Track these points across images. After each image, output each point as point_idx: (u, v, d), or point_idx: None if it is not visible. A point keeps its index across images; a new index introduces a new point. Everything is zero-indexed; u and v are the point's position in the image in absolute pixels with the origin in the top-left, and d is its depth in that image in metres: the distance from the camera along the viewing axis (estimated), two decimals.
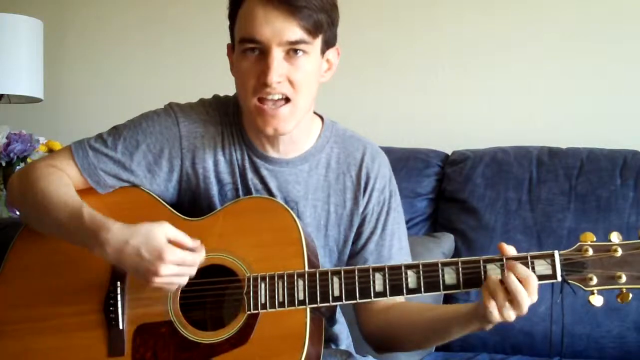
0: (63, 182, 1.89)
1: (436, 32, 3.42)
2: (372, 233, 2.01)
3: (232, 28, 1.89)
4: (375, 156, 2.04)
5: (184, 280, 1.72)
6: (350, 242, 2.02)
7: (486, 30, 3.35)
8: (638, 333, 2.64)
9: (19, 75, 3.49)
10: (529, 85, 3.30)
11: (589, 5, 3.24)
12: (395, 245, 2.02)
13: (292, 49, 1.79)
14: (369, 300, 1.74)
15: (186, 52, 3.72)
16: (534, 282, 1.63)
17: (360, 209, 2.00)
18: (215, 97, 2.04)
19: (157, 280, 1.68)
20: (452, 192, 2.99)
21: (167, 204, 1.95)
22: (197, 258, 1.72)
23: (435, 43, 3.42)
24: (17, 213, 3.23)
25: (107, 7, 3.87)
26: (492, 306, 1.63)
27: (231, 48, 1.92)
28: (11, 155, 3.15)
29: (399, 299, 1.93)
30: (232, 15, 1.87)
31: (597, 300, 1.64)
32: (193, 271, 1.72)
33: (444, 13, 3.41)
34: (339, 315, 2.15)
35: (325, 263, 1.98)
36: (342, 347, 2.12)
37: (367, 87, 3.48)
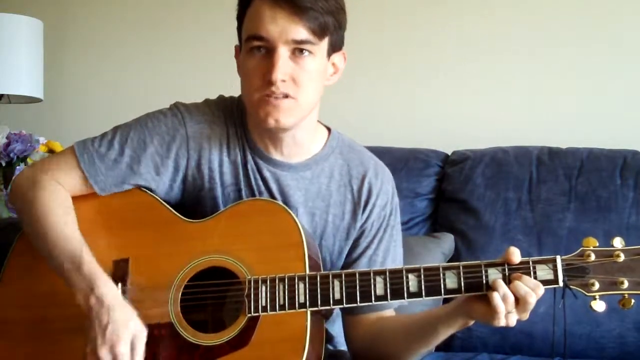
0: (66, 210, 1.87)
1: (436, 32, 3.43)
2: (367, 247, 2.00)
3: (239, 29, 1.90)
4: (379, 172, 2.04)
5: None
6: (344, 254, 2.01)
7: (486, 30, 3.36)
8: (638, 333, 2.64)
9: (19, 75, 3.49)
10: (529, 85, 3.30)
11: (590, 6, 3.24)
12: (388, 262, 2.01)
13: (298, 49, 1.80)
14: (369, 303, 1.74)
15: (187, 52, 3.71)
16: (541, 292, 1.64)
17: (359, 224, 2.00)
18: (220, 97, 2.04)
19: (103, 351, 1.67)
20: (452, 192, 2.98)
21: (171, 203, 1.95)
22: None
23: (436, 43, 3.42)
24: None
25: (107, 8, 3.87)
26: (502, 311, 1.64)
27: (238, 49, 1.93)
28: (11, 155, 3.14)
29: (388, 312, 1.95)
30: (240, 16, 1.88)
31: (599, 306, 1.64)
32: None
33: (445, 13, 3.42)
34: (337, 316, 2.15)
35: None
36: (342, 347, 2.12)
37: (367, 87, 3.48)
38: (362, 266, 1.98)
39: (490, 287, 1.66)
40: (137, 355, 1.69)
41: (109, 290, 1.73)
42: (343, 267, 2.01)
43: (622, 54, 3.20)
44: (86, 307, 1.72)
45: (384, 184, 2.03)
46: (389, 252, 2.02)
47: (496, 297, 1.64)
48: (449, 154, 3.13)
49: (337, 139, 2.04)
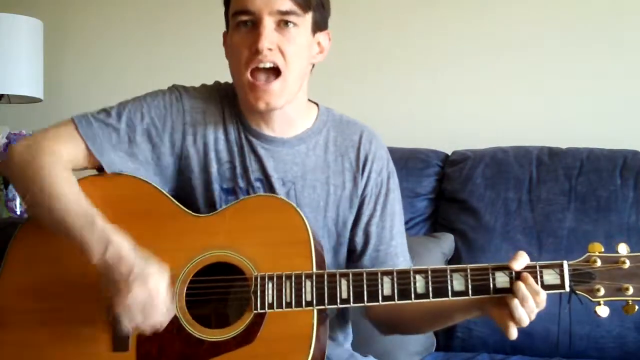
0: (69, 177, 1.88)
1: (436, 32, 3.43)
2: (372, 215, 2.03)
3: (227, 13, 1.94)
4: (372, 138, 2.07)
5: (139, 322, 1.70)
6: (349, 224, 2.03)
7: (486, 30, 3.37)
8: (638, 333, 2.65)
9: (19, 75, 3.49)
10: (529, 85, 3.31)
11: (590, 5, 3.25)
12: (396, 225, 2.05)
13: (283, 21, 1.84)
14: (376, 303, 1.74)
15: (186, 52, 3.72)
16: (541, 299, 1.66)
17: (359, 191, 2.02)
18: (216, 82, 2.08)
19: (125, 300, 1.67)
20: (452, 192, 2.99)
21: (168, 182, 1.97)
22: (164, 317, 1.72)
23: (435, 43, 3.43)
24: (17, 213, 3.24)
25: (107, 7, 3.87)
26: (524, 313, 1.66)
27: (226, 35, 1.97)
28: None
29: None
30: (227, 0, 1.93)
31: (603, 311, 1.66)
32: (151, 323, 1.71)
33: (444, 13, 3.42)
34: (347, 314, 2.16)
35: (324, 244, 1.98)
36: (346, 346, 2.13)
37: (367, 87, 3.48)
38: (373, 236, 2.02)
39: (498, 291, 1.68)
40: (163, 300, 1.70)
41: (124, 243, 1.73)
42: (352, 238, 2.03)
43: (622, 54, 3.21)
44: (102, 262, 1.71)
45: (378, 150, 2.06)
46: (395, 215, 2.05)
47: (513, 300, 1.66)
48: (449, 154, 3.13)
49: (326, 113, 2.07)
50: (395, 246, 2.03)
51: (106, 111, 1.96)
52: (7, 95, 3.59)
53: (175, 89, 2.02)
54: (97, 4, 3.90)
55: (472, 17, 3.38)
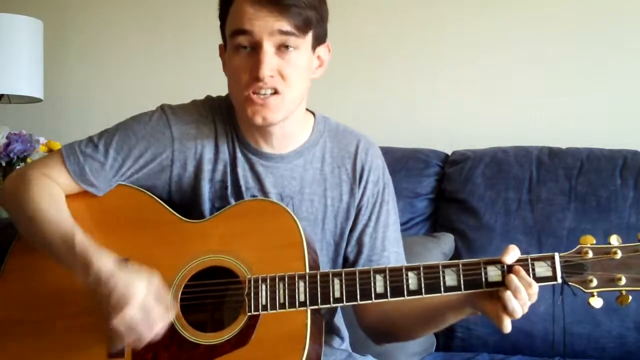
0: (56, 199, 1.88)
1: (436, 32, 3.43)
2: (366, 225, 2.02)
3: (223, 27, 1.91)
4: (369, 148, 2.05)
5: (144, 333, 1.69)
6: (346, 235, 2.02)
7: (486, 29, 3.36)
8: (638, 333, 2.64)
9: (19, 75, 3.49)
10: (529, 85, 3.30)
11: (589, 5, 3.24)
12: (388, 236, 2.03)
13: (284, 45, 1.81)
14: (369, 301, 1.73)
15: (186, 52, 3.72)
16: (535, 289, 1.65)
17: (356, 202, 2.01)
18: (208, 97, 2.05)
19: (117, 321, 1.66)
20: (452, 192, 2.99)
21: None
22: (166, 315, 1.72)
23: (435, 43, 3.43)
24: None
25: (107, 7, 3.88)
26: (517, 305, 1.64)
27: (223, 48, 1.94)
28: (11, 155, 3.15)
29: None
30: (223, 15, 1.89)
31: (596, 302, 1.64)
32: (155, 329, 1.70)
33: (444, 12, 3.42)
34: (339, 313, 2.15)
35: (323, 257, 1.98)
36: (343, 345, 2.13)
37: (367, 87, 3.48)
38: (365, 245, 2.01)
39: (491, 285, 1.67)
40: (152, 312, 1.69)
41: (103, 264, 1.71)
42: (345, 248, 2.02)
43: (622, 54, 3.21)
44: (88, 287, 1.71)
45: (374, 159, 2.05)
46: (389, 226, 2.04)
47: (505, 292, 1.64)
48: (449, 154, 3.13)
49: (323, 123, 2.05)
50: (387, 257, 2.02)
51: (94, 143, 1.94)
52: (7, 95, 3.58)
53: (163, 112, 1.98)
54: (97, 4, 3.90)
55: (472, 16, 3.38)
